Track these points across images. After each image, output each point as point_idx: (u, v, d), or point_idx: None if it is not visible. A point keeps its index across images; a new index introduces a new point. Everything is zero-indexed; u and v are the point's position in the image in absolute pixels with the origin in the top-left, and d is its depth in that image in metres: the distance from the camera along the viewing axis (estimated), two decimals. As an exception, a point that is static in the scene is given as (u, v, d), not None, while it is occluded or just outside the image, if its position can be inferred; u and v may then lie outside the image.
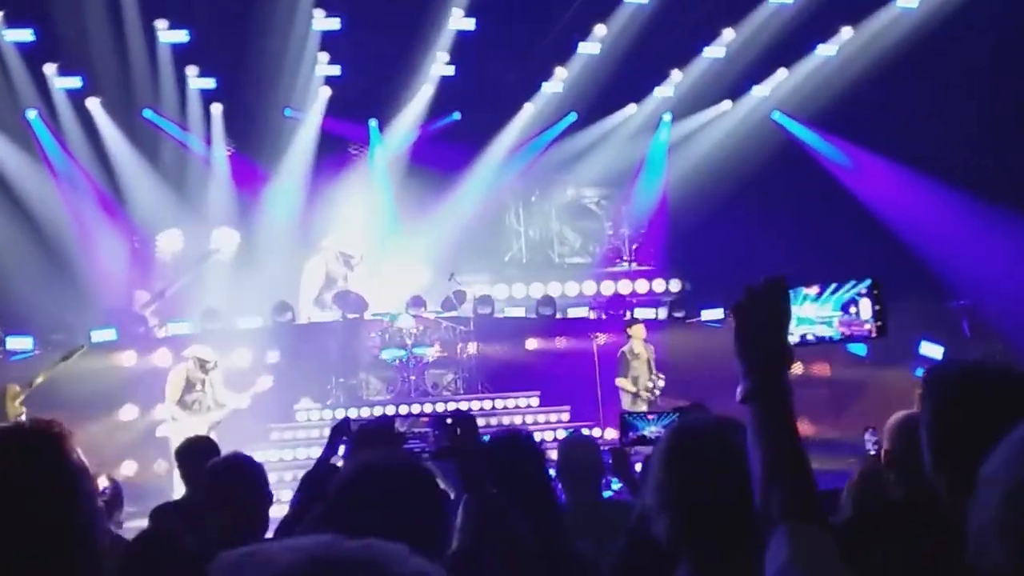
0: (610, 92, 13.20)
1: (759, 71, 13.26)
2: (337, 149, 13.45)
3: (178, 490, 7.87)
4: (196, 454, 4.63)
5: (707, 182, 13.01)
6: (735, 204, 12.69)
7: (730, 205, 12.75)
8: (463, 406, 10.52)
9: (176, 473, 8.47)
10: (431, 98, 13.10)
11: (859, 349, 11.15)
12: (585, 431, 9.59)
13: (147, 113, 12.49)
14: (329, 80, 12.69)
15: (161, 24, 11.53)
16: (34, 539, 1.51)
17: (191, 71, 12.29)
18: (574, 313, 12.54)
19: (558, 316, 12.25)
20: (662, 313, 12.47)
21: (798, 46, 12.77)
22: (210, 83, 12.46)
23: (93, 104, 12.20)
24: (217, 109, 12.81)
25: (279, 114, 12.92)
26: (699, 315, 11.91)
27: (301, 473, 3.87)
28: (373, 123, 13.48)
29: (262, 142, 12.78)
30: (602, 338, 10.26)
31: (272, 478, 7.62)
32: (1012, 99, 11.68)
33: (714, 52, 12.81)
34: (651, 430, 4.28)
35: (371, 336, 11.14)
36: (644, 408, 9.39)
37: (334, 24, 11.76)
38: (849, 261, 11.70)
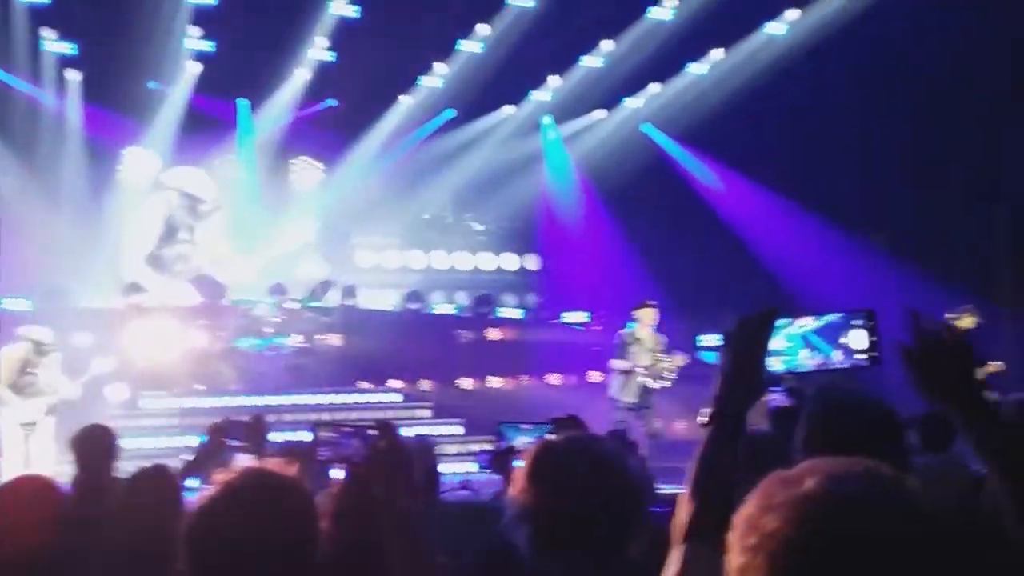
0: (488, 92, 13.25)
1: (633, 84, 13.59)
2: (205, 127, 12.92)
3: (6, 476, 7.37)
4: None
5: (576, 188, 13.22)
6: (601, 213, 12.94)
7: (597, 212, 12.99)
8: (322, 399, 10.32)
9: (2, 460, 8.00)
10: (307, 83, 12.79)
11: (711, 357, 11.55)
12: (447, 430, 9.63)
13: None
14: (200, 56, 12.21)
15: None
16: None
17: (49, 34, 11.56)
18: (441, 309, 12.50)
19: (424, 311, 12.18)
20: (525, 315, 12.60)
21: (671, 63, 13.17)
22: (70, 48, 11.75)
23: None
24: (75, 76, 12.09)
25: (143, 86, 12.32)
26: (561, 317, 12.10)
27: (145, 464, 3.76)
28: (244, 103, 13.05)
29: (124, 113, 12.14)
30: (469, 335, 10.20)
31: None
32: (869, 131, 12.40)
33: (592, 61, 13.05)
34: (522, 440, 4.31)
35: (228, 323, 10.75)
36: (632, 398, 8.81)
37: (208, -3, 11.34)
38: (706, 276, 12.19)
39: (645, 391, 8.92)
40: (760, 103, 12.51)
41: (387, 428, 2.54)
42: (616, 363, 9.00)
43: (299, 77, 12.75)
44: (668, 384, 9.01)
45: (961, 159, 12.55)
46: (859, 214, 12.10)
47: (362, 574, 2.47)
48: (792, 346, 1.75)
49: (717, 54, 13.11)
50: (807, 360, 1.78)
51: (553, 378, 11.56)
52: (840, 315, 1.73)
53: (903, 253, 11.11)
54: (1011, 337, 10.64)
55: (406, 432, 9.30)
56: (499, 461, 4.20)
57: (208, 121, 12.88)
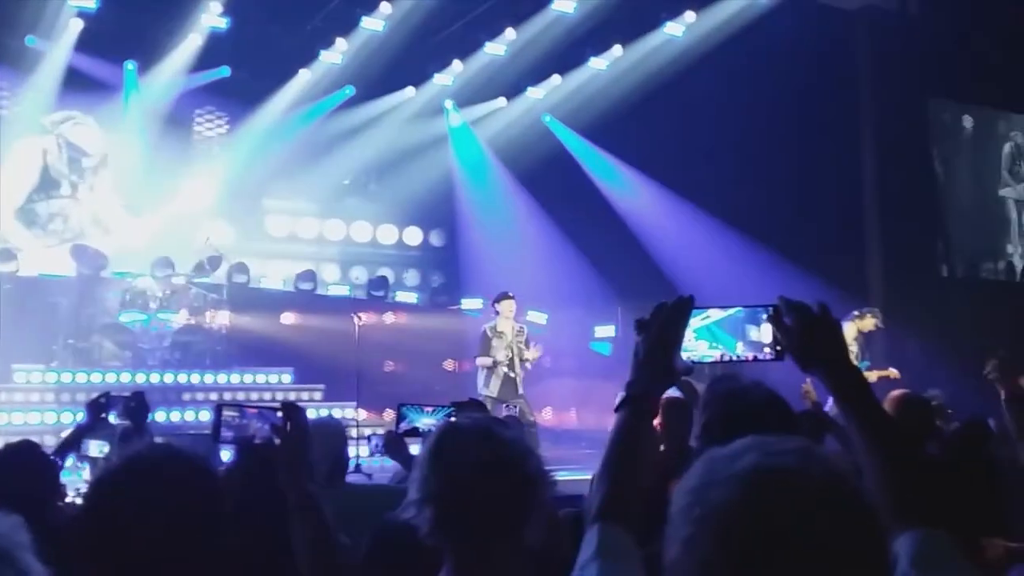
0: (390, 72, 13.07)
1: (535, 74, 13.69)
2: (88, 87, 12.23)
3: None
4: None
5: (476, 176, 13.24)
6: (502, 200, 13.00)
7: (496, 201, 13.04)
8: (208, 379, 10.00)
9: None
10: (199, 49, 12.27)
11: (603, 349, 11.85)
12: (338, 412, 9.48)
13: None
14: (83, 13, 11.53)
15: None
16: None
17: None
18: (335, 291, 12.28)
19: (318, 291, 11.94)
20: (422, 300, 12.54)
21: (573, 56, 13.33)
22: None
23: None
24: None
25: (21, 42, 11.56)
26: (459, 304, 12.10)
27: (13, 440, 3.69)
28: (130, 65, 12.42)
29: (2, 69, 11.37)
30: (364, 317, 10.06)
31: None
32: (758, 136, 12.91)
33: (495, 48, 13.05)
34: (425, 422, 4.29)
35: (109, 296, 10.26)
36: (495, 392, 8.83)
37: (94, -48, 10.71)
38: (601, 269, 12.44)
39: (507, 383, 9.02)
40: (655, 101, 12.84)
41: (293, 409, 2.50)
42: (480, 360, 9.13)
43: (191, 42, 12.22)
44: (523, 373, 9.10)
45: (832, 163, 13.31)
46: (747, 215, 12.59)
47: (266, 558, 2.45)
48: (696, 338, 1.80)
49: (616, 50, 13.34)
50: (708, 351, 1.83)
51: (448, 364, 11.56)
52: (745, 309, 1.80)
53: (788, 256, 11.63)
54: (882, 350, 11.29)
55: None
56: (396, 443, 4.19)
57: (92, 81, 12.20)
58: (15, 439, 3.84)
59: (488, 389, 9.04)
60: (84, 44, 11.76)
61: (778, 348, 1.75)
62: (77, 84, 11.99)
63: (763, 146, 12.88)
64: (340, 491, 3.75)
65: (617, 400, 1.66)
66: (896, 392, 4.66)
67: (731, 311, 1.81)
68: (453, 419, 2.11)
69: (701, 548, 1.01)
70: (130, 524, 1.69)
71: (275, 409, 2.55)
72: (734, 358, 1.82)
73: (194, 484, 1.79)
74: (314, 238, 13.61)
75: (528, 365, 9.13)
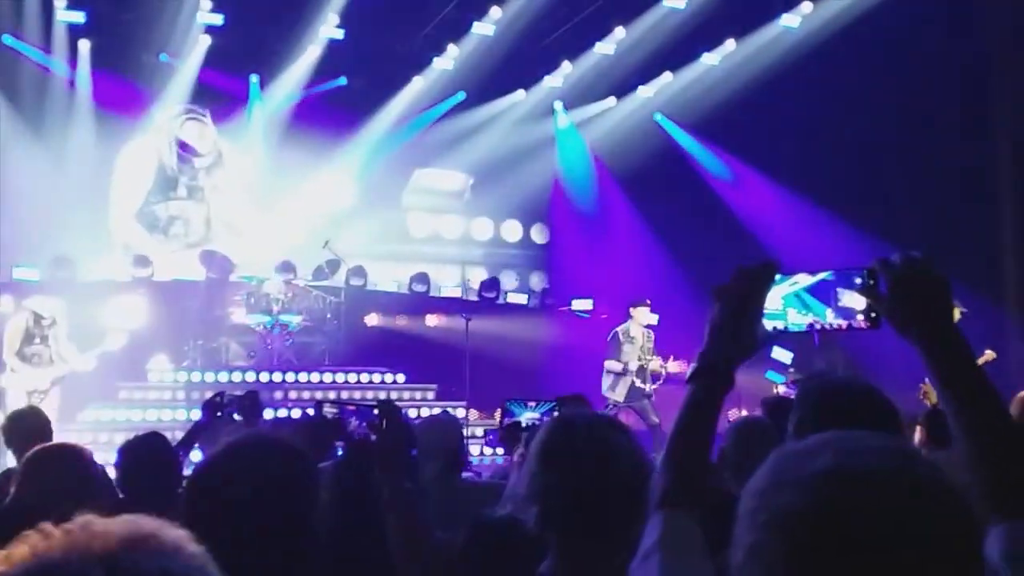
0: (500, 76, 13.21)
1: (645, 72, 13.55)
2: (214, 101, 12.88)
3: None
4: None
5: (590, 175, 13.21)
6: (612, 200, 12.92)
7: (607, 201, 12.98)
8: (327, 378, 10.35)
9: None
10: (317, 60, 12.72)
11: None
12: (451, 411, 9.63)
13: (7, 39, 11.59)
14: (210, 29, 12.13)
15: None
16: None
17: (59, 2, 11.47)
18: (448, 292, 12.50)
19: (431, 294, 12.18)
20: (534, 300, 12.61)
21: (684, 52, 13.13)
22: (79, 17, 11.66)
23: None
24: (85, 45, 12.03)
25: (154, 58, 12.26)
26: (569, 304, 12.11)
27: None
28: (254, 79, 12.99)
29: (135, 84, 12.09)
30: (475, 319, 10.19)
31: (118, 439, 7.30)
32: (879, 129, 12.40)
33: (604, 48, 12.99)
34: (528, 416, 4.33)
35: (235, 299, 10.75)
36: (621, 397, 8.92)
37: (219, -29, 11.24)
38: (716, 268, 12.18)
39: (634, 390, 9.05)
40: (770, 95, 12.50)
41: (389, 407, 2.55)
42: (609, 363, 9.17)
43: (310, 54, 12.67)
44: (656, 385, 9.13)
45: (962, 155, 12.60)
46: (868, 212, 12.11)
47: (359, 548, 2.51)
48: (784, 305, 1.61)
49: (730, 44, 13.06)
50: (799, 319, 1.63)
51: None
52: (836, 273, 1.59)
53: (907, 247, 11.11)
54: (1015, 334, 10.67)
55: (416, 413, 9.39)
56: (506, 436, 4.24)
57: (219, 95, 12.83)
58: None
59: (614, 393, 9.08)
60: (211, 59, 12.37)
61: (873, 315, 1.56)
62: (205, 97, 12.62)
63: (885, 139, 12.35)
64: (455, 486, 3.83)
65: (689, 371, 1.53)
66: None
67: (821, 275, 1.62)
68: (564, 415, 2.11)
69: (766, 557, 0.92)
70: (225, 505, 1.76)
71: (373, 407, 2.61)
72: (826, 326, 1.62)
73: (289, 468, 1.85)
74: (429, 237, 13.88)
75: (662, 376, 9.13)
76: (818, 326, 1.65)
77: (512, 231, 14.48)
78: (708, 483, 1.53)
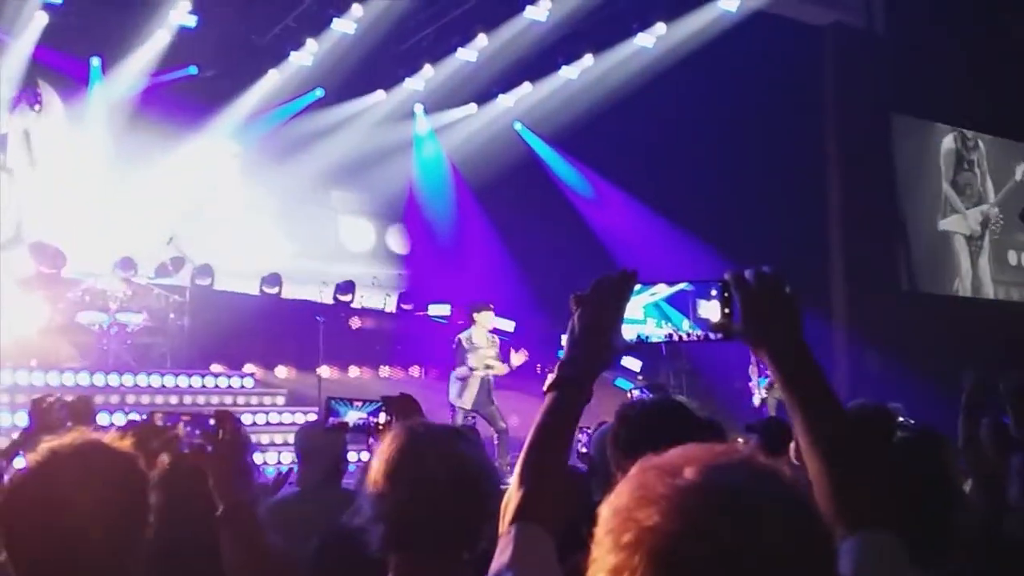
0: (360, 75, 13.00)
1: (506, 81, 13.69)
2: (50, 81, 12.02)
3: None
4: None
5: (446, 181, 13.20)
6: (471, 206, 12.97)
7: (464, 207, 13.01)
8: (169, 381, 9.84)
9: None
10: (167, 46, 12.11)
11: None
12: (300, 418, 9.37)
13: None
14: (48, 6, 11.34)
15: None
16: None
17: None
18: (299, 294, 12.15)
19: (284, 295, 11.80)
20: (390, 304, 12.46)
21: (545, 63, 13.35)
22: None
23: None
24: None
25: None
26: (426, 309, 12.05)
27: None
28: (95, 61, 12.22)
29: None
30: (329, 321, 9.96)
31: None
32: (724, 147, 13.03)
33: (467, 54, 13.03)
34: (354, 415, 4.26)
35: (68, 296, 10.05)
36: (468, 404, 8.82)
37: (60, -55, 10.52)
38: (569, 276, 12.44)
39: (480, 393, 9.01)
40: (626, 111, 12.90)
41: (226, 417, 2.47)
42: (457, 371, 9.10)
43: (158, 39, 12.05)
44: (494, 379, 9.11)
45: (797, 175, 13.44)
46: (711, 225, 12.68)
47: (189, 561, 2.44)
48: (644, 315, 1.64)
49: (588, 59, 13.38)
50: (657, 329, 1.66)
51: (414, 370, 11.50)
52: (694, 284, 1.63)
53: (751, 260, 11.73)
54: (842, 351, 11.44)
55: (264, 418, 9.07)
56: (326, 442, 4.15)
57: (56, 76, 12.00)
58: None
59: (461, 400, 9.05)
60: (48, 38, 11.55)
61: (726, 327, 1.57)
62: (40, 77, 11.78)
63: (729, 157, 13.01)
64: (336, 495, 3.72)
65: (547, 381, 1.50)
66: (854, 402, 4.69)
67: (680, 286, 1.64)
68: (408, 427, 2.04)
69: None
70: (46, 519, 1.65)
71: (208, 416, 2.51)
72: (683, 336, 1.63)
73: (120, 476, 1.76)
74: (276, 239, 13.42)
75: (508, 369, 9.06)
76: (676, 336, 1.67)
77: (368, 234, 14.26)
78: (567, 494, 1.50)
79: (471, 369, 8.96)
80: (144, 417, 3.93)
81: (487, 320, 9.20)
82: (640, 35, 12.90)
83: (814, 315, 9.89)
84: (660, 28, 12.81)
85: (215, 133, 12.76)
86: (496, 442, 8.83)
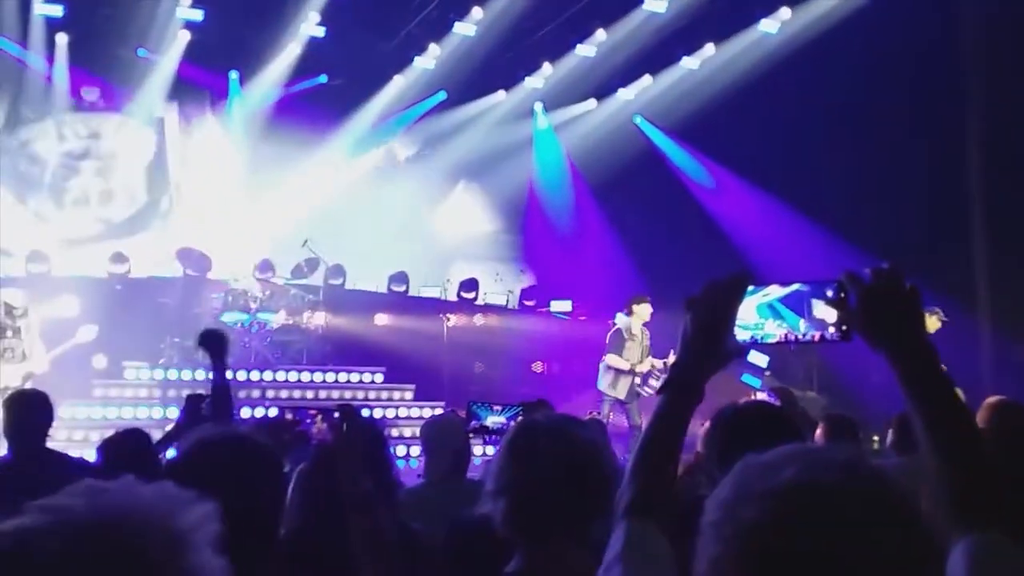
0: (481, 76, 13.23)
1: (626, 75, 13.61)
2: (193, 96, 12.80)
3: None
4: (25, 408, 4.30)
5: (565, 178, 13.25)
6: (590, 202, 12.98)
7: (584, 203, 13.03)
8: (305, 377, 10.31)
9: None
10: (298, 57, 12.68)
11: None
12: (427, 412, 9.65)
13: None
14: (190, 24, 12.06)
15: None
16: None
17: (36, -5, 11.36)
18: (427, 292, 12.48)
19: (410, 293, 12.16)
20: (513, 300, 12.62)
21: (664, 55, 13.19)
22: (57, 10, 11.55)
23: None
24: (63, 39, 11.92)
25: (132, 52, 12.18)
26: (548, 305, 12.15)
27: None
28: (234, 75, 12.93)
29: (112, 79, 12.01)
30: (453, 319, 10.21)
31: (94, 436, 7.24)
32: (856, 132, 12.52)
33: (585, 50, 13.04)
34: (493, 420, 4.36)
35: (213, 297, 10.69)
36: (622, 394, 8.79)
37: (200, -34, 11.16)
38: (692, 271, 12.26)
39: (632, 389, 8.94)
40: (751, 99, 12.60)
41: (350, 411, 2.58)
42: (613, 359, 8.93)
43: (290, 51, 12.63)
44: (651, 390, 9.05)
45: (935, 162, 12.75)
46: (843, 215, 12.22)
47: (321, 549, 2.52)
48: (758, 315, 1.59)
49: (709, 49, 13.15)
50: (772, 330, 1.62)
51: (537, 365, 11.63)
52: (809, 284, 1.58)
53: (888, 257, 11.24)
54: (989, 347, 10.81)
55: (394, 413, 9.36)
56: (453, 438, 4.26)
57: (197, 90, 12.76)
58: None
59: (615, 391, 8.91)
60: (190, 54, 12.30)
61: (844, 328, 1.55)
62: (183, 92, 12.56)
63: (860, 144, 12.46)
64: (461, 485, 3.86)
65: (659, 382, 1.57)
66: (993, 398, 4.44)
67: (794, 286, 1.63)
68: (530, 416, 2.14)
69: (730, 570, 0.92)
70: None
71: (333, 410, 2.64)
72: (799, 337, 1.66)
73: (258, 465, 1.86)
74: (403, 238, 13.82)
75: (652, 382, 8.98)
76: (792, 338, 1.66)
77: (492, 231, 14.49)
78: (677, 490, 1.54)
79: (630, 361, 8.80)
80: (277, 412, 4.17)
81: (645, 312, 9.08)
82: (763, 21, 12.58)
83: (957, 307, 9.41)
84: (784, 12, 12.45)
85: (345, 138, 13.26)
86: (631, 438, 8.77)
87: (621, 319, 9.11)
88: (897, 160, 12.40)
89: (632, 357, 8.94)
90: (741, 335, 1.60)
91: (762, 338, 1.64)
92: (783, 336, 1.65)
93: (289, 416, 3.20)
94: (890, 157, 12.39)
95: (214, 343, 4.20)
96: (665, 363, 8.95)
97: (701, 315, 1.53)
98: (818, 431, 4.50)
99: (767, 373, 10.48)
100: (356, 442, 2.51)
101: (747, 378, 10.34)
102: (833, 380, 11.36)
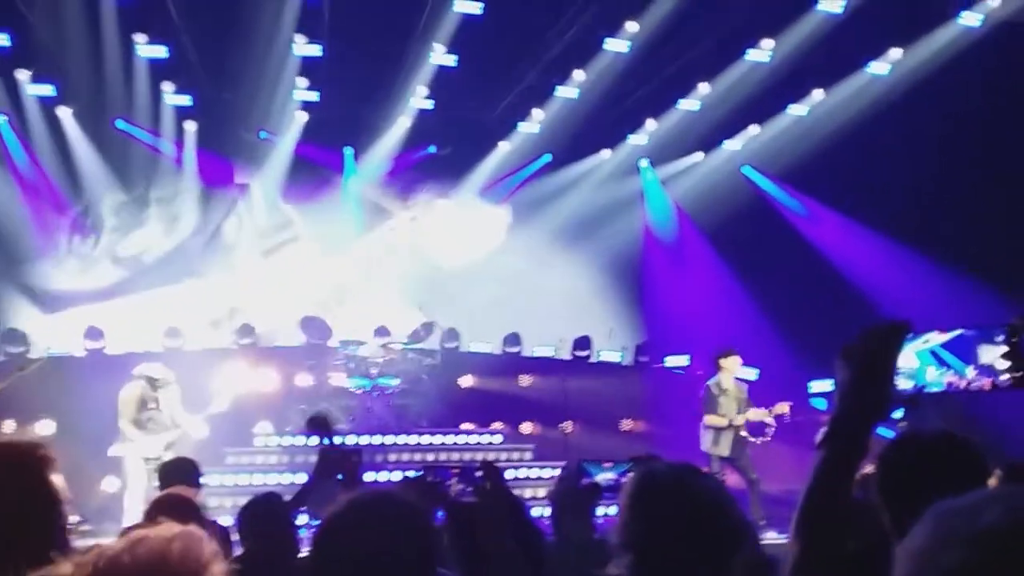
0: (585, 136, 13.40)
1: (731, 125, 13.54)
2: (311, 173, 13.41)
3: (129, 510, 7.66)
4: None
5: (676, 231, 13.18)
6: (701, 255, 12.84)
7: (696, 256, 12.89)
8: (425, 439, 10.44)
9: (127, 493, 8.29)
10: (408, 130, 13.13)
11: (822, 404, 11.28)
12: (548, 472, 9.60)
13: (119, 123, 12.35)
14: (306, 105, 12.68)
15: (140, 38, 11.39)
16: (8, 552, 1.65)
17: (167, 87, 12.18)
18: (540, 352, 12.52)
19: (524, 354, 12.22)
20: (627, 357, 12.51)
21: (770, 104, 13.08)
22: (186, 100, 12.36)
23: (64, 113, 12.04)
24: (191, 127, 12.72)
25: (254, 135, 12.87)
26: (663, 361, 11.99)
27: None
28: (349, 151, 13.48)
29: (236, 160, 12.75)
30: (569, 378, 10.20)
31: (227, 503, 7.48)
32: (968, 167, 12.06)
33: (689, 104, 13.05)
34: (604, 477, 4.33)
35: (335, 363, 11.01)
36: (726, 451, 8.78)
37: (315, 50, 11.73)
38: (810, 319, 11.93)
39: (737, 441, 8.89)
40: (860, 142, 12.32)
41: (492, 469, 2.57)
42: (710, 419, 8.95)
43: (400, 125, 13.10)
44: (768, 437, 8.93)
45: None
46: (962, 252, 11.71)
47: None
48: (921, 363, 1.53)
49: (817, 94, 12.97)
50: (936, 378, 1.56)
51: (653, 423, 11.46)
52: (974, 329, 1.50)
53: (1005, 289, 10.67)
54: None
55: (513, 473, 9.35)
56: (584, 498, 4.23)
57: (315, 167, 13.35)
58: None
59: (718, 448, 8.89)
60: (307, 133, 12.91)
61: (1018, 373, 1.54)
62: (301, 170, 13.18)
63: (987, 182, 11.97)
64: (590, 542, 3.85)
65: (819, 436, 1.51)
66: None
67: (957, 331, 1.63)
68: (654, 467, 2.11)
69: None
70: (355, 560, 1.79)
71: (475, 470, 2.65)
72: (967, 384, 1.61)
73: (412, 526, 1.88)
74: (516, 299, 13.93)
75: (770, 424, 8.99)
76: (959, 385, 1.61)
77: (602, 289, 14.47)
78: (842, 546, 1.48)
79: (728, 417, 8.79)
80: (419, 473, 4.22)
81: (733, 365, 9.10)
82: (873, 63, 12.34)
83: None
84: (895, 53, 12.19)
85: (454, 205, 13.58)
86: (749, 493, 8.56)
87: (714, 378, 9.10)
88: (1021, 194, 11.84)
89: (728, 412, 8.88)
90: (903, 383, 1.57)
91: (925, 386, 1.60)
92: (948, 384, 1.62)
93: (430, 476, 3.24)
94: (1012, 192, 11.85)
95: (319, 427, 4.32)
96: (770, 411, 8.89)
97: (861, 364, 1.50)
98: (992, 480, 4.24)
99: (902, 424, 10.00)
100: (500, 500, 2.51)
101: (883, 431, 9.89)
102: (982, 435, 10.74)
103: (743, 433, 8.89)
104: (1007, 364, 1.52)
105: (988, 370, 1.69)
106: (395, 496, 1.99)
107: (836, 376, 1.53)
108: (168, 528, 1.28)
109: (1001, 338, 1.54)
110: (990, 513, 0.88)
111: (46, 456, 1.88)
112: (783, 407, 8.86)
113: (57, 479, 1.86)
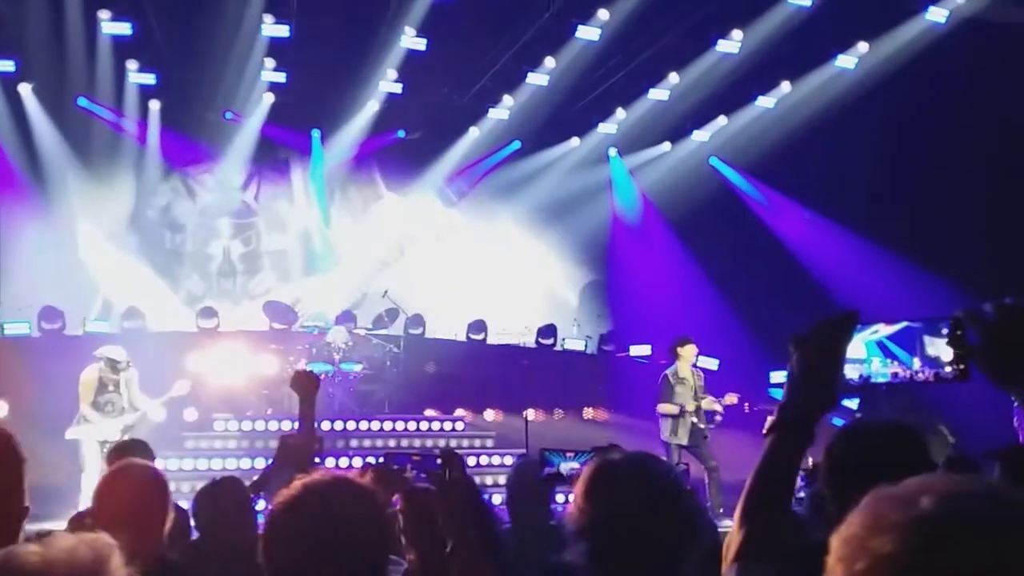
0: (554, 124, 13.37)
1: (700, 116, 13.57)
2: (276, 155, 13.28)
3: (85, 494, 7.57)
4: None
5: (642, 221, 13.22)
6: (667, 244, 12.89)
7: (663, 245, 12.95)
8: (387, 426, 10.42)
9: (83, 476, 8.20)
10: (376, 113, 13.04)
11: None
12: (509, 460, 9.60)
13: (81, 101, 12.14)
14: (274, 87, 12.55)
15: (104, 15, 11.19)
16: None
17: (131, 65, 11.98)
18: (505, 339, 12.52)
19: (488, 341, 12.22)
20: (591, 346, 12.55)
21: (738, 96, 13.12)
22: (150, 79, 12.17)
23: (24, 90, 11.83)
24: (155, 105, 12.54)
25: (218, 116, 12.72)
26: (627, 351, 12.04)
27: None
28: (316, 133, 13.36)
29: (200, 140, 12.58)
30: (532, 365, 10.21)
31: (184, 487, 7.43)
32: (927, 162, 12.20)
33: (658, 94, 13.06)
34: (567, 466, 4.34)
35: (297, 348, 10.93)
36: (684, 439, 8.84)
37: (283, 31, 11.58)
38: (775, 310, 12.03)
39: (695, 430, 8.97)
40: (825, 135, 12.41)
41: (452, 458, 2.56)
42: (664, 407, 9.02)
43: (369, 108, 13.00)
44: (715, 424, 9.08)
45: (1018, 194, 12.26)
46: (929, 247, 11.86)
47: None
48: (868, 353, 1.56)
49: (785, 87, 13.03)
50: (882, 368, 1.59)
51: (616, 412, 11.51)
52: (920, 322, 1.54)
53: (979, 292, 10.84)
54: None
55: (474, 460, 9.36)
56: (543, 485, 4.24)
57: (281, 149, 13.23)
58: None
59: (676, 437, 8.95)
60: (274, 115, 12.78)
61: (962, 367, 1.54)
62: (267, 151, 13.04)
63: (947, 178, 12.12)
64: (545, 530, 3.85)
65: (767, 424, 1.52)
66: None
67: (903, 323, 1.65)
68: (610, 455, 2.11)
69: None
70: (307, 543, 1.77)
71: (435, 457, 2.64)
72: (912, 375, 1.64)
73: (365, 511, 1.86)
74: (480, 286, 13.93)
75: (719, 412, 9.08)
76: (904, 376, 1.64)
77: (568, 276, 14.51)
78: (788, 534, 1.49)
79: (681, 405, 8.86)
80: (380, 459, 4.20)
81: (690, 353, 9.17)
82: (840, 56, 12.41)
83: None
84: (862, 47, 12.27)
85: (422, 190, 13.53)
86: (707, 481, 8.65)
87: (671, 367, 9.17)
88: (993, 190, 12.00)
89: (684, 400, 8.95)
90: (851, 373, 1.59)
91: (871, 376, 1.63)
92: (893, 374, 1.65)
93: (391, 462, 3.23)
94: (984, 188, 12.01)
95: (303, 386, 4.27)
96: (720, 401, 9.03)
97: (811, 354, 1.50)
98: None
99: (858, 415, 10.13)
100: (458, 488, 2.50)
101: (837, 421, 10.01)
102: (932, 425, 10.91)
103: (695, 420, 8.96)
104: (951, 356, 1.52)
105: (933, 362, 1.72)
106: (349, 480, 1.98)
107: (787, 365, 1.53)
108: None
109: (945, 330, 1.54)
110: (924, 501, 0.88)
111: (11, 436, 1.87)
112: (732, 398, 9.01)
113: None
